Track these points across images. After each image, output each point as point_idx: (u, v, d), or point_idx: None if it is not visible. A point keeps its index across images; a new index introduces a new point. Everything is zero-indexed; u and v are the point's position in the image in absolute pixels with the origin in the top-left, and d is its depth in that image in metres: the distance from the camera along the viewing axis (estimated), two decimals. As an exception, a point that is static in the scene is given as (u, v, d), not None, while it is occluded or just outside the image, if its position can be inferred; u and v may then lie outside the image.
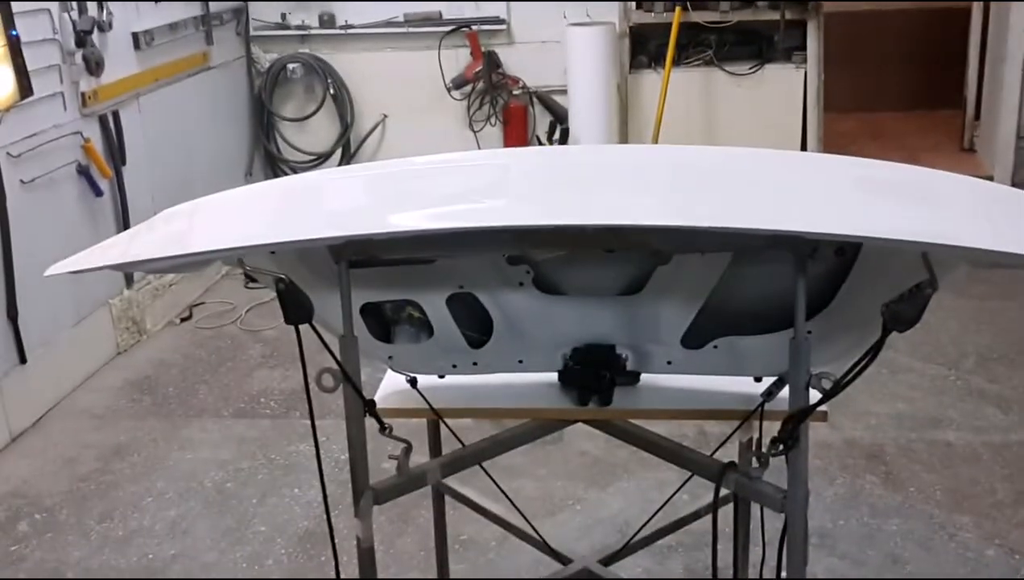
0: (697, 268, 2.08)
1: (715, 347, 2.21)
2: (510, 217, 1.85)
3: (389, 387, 2.40)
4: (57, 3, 4.40)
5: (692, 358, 2.25)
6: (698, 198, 1.83)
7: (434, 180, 2.10)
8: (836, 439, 3.81)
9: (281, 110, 6.59)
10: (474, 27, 6.34)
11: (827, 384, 1.92)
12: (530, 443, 2.50)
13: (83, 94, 4.59)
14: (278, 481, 3.72)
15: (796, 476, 1.98)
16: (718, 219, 1.73)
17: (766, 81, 6.33)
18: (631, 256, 2.13)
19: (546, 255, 2.14)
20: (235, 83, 6.33)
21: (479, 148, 6.44)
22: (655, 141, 6.22)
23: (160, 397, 4.45)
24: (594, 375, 2.28)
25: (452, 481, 2.70)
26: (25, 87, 3.47)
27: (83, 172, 4.57)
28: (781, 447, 1.94)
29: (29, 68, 4.16)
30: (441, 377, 2.38)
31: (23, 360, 4.14)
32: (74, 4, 4.51)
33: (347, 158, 6.64)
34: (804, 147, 6.36)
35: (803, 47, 6.26)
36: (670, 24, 6.12)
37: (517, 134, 6.52)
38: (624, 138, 6.46)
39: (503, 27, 6.40)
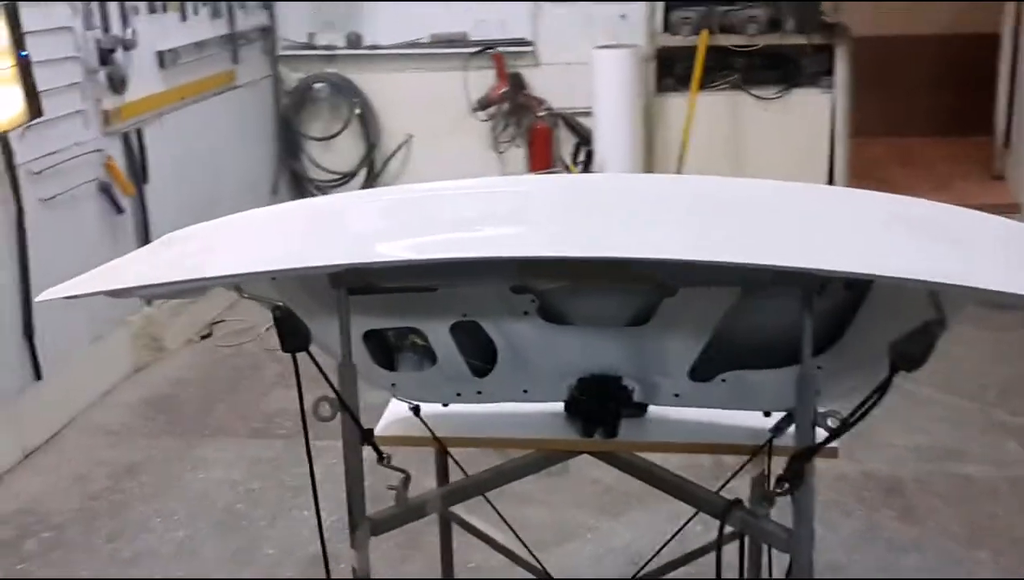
0: (705, 301, 2.03)
1: (723, 380, 2.17)
2: (511, 247, 1.82)
3: (392, 415, 2.37)
4: (81, 21, 4.43)
5: (700, 391, 2.20)
6: (707, 231, 1.80)
7: (441, 207, 2.09)
8: (853, 471, 3.73)
9: (307, 129, 6.62)
10: (500, 49, 6.34)
11: (834, 423, 1.87)
12: (535, 474, 2.46)
13: (106, 112, 4.62)
14: (288, 503, 3.69)
15: (802, 515, 1.93)
16: (723, 253, 1.69)
17: (793, 105, 6.27)
18: (638, 287, 2.10)
19: (550, 285, 2.11)
20: (261, 102, 6.36)
21: (503, 170, 6.43)
22: (681, 164, 6.18)
23: (176, 415, 4.45)
24: (600, 406, 2.24)
25: (460, 508, 2.66)
26: (35, 108, 3.47)
27: (104, 190, 4.59)
28: (787, 486, 1.89)
29: (50, 86, 4.19)
30: (445, 405, 2.34)
31: (39, 377, 4.15)
32: (98, 23, 4.54)
33: (372, 178, 6.65)
34: (832, 172, 6.29)
35: (831, 71, 6.20)
36: (696, 47, 6.09)
37: (541, 156, 6.49)
38: (649, 161, 6.43)
39: (529, 49, 6.39)
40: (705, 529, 2.65)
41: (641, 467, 2.38)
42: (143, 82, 4.92)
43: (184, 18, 5.37)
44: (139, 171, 4.90)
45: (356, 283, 1.96)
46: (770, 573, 2.22)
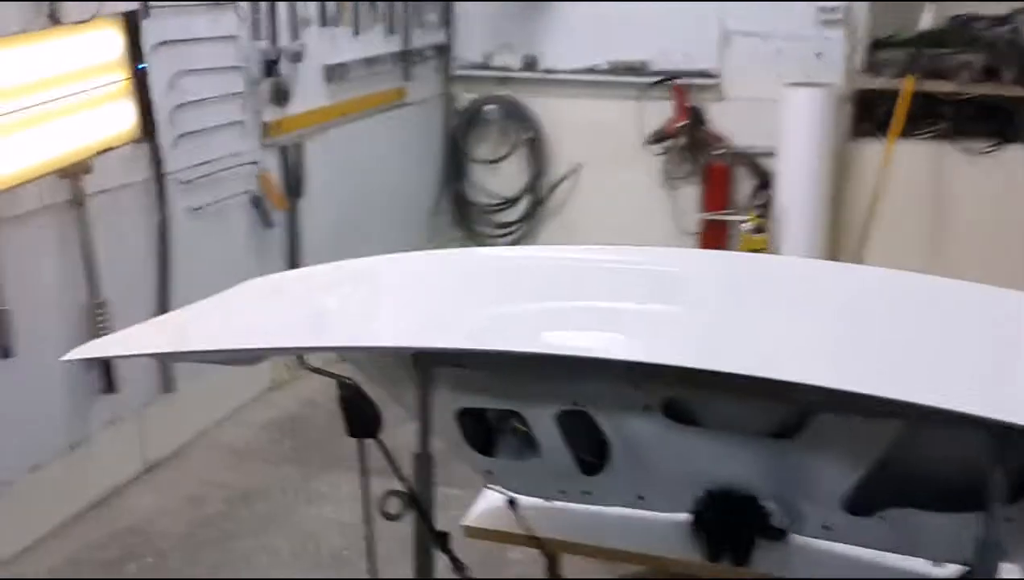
0: (866, 423, 1.63)
1: (884, 518, 1.76)
2: (641, 351, 1.49)
3: (486, 503, 2.07)
4: (248, 31, 4.36)
5: (855, 526, 1.79)
6: (871, 350, 1.41)
7: (573, 281, 1.77)
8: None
9: (473, 151, 6.42)
10: (681, 80, 5.96)
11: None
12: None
13: (265, 124, 4.53)
14: (396, 557, 3.44)
15: None
16: (893, 385, 1.30)
17: (1007, 163, 5.59)
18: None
19: (679, 393, 1.76)
20: (429, 121, 6.21)
21: (673, 208, 6.06)
22: (870, 219, 5.63)
23: (301, 441, 4.30)
24: (731, 527, 1.87)
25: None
26: (147, 126, 3.33)
27: (256, 203, 4.51)
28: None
29: (210, 95, 4.14)
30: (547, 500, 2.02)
31: (171, 389, 4.07)
32: (266, 34, 4.47)
33: (536, 205, 6.40)
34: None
35: (1054, 128, 5.50)
36: (899, 91, 5.52)
37: (716, 196, 6.06)
38: (836, 212, 5.88)
39: (713, 81, 5.98)
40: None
41: (775, 605, 1.98)
42: (308, 95, 4.83)
43: (357, 33, 5.26)
44: (294, 185, 4.80)
45: (444, 362, 1.67)
46: None
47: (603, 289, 1.74)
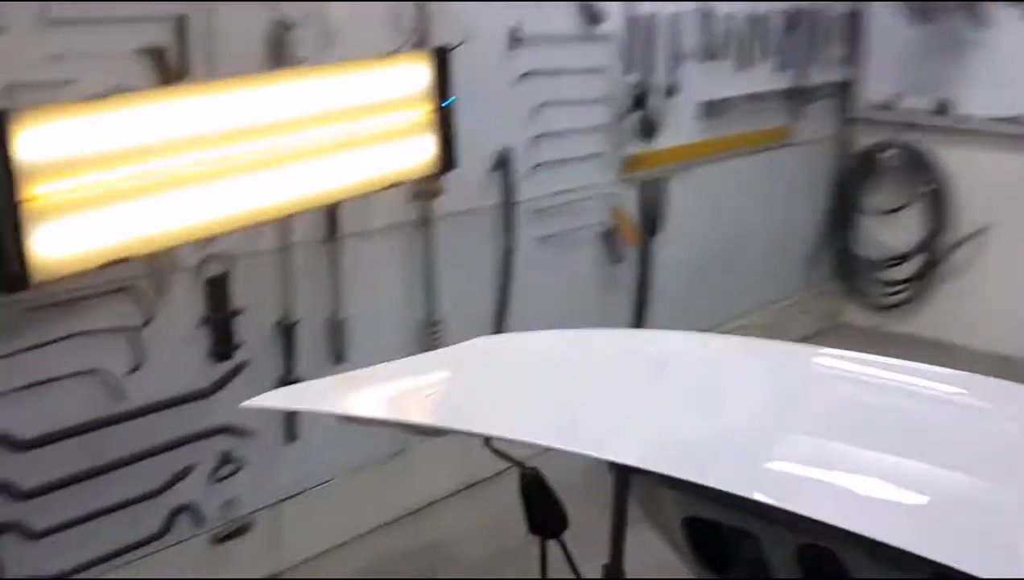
0: None
1: None
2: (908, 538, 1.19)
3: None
4: (620, 64, 4.30)
5: None
6: None
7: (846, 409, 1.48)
8: None
9: (864, 200, 5.89)
10: None
11: None
12: None
13: (626, 158, 4.45)
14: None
15: None
16: None
17: None
18: None
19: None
20: (815, 164, 5.78)
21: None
22: None
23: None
24: None
25: None
26: (447, 160, 3.29)
27: (607, 237, 4.44)
28: None
29: (572, 126, 4.14)
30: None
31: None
32: (638, 67, 4.39)
33: (932, 265, 5.74)
34: None
35: None
36: None
37: None
38: None
39: None
40: None
41: None
42: (677, 131, 4.68)
43: (742, 68, 5.02)
44: (651, 222, 4.67)
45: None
46: None
47: (886, 428, 1.42)
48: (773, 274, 5.51)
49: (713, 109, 4.85)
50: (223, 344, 3.15)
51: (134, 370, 2.94)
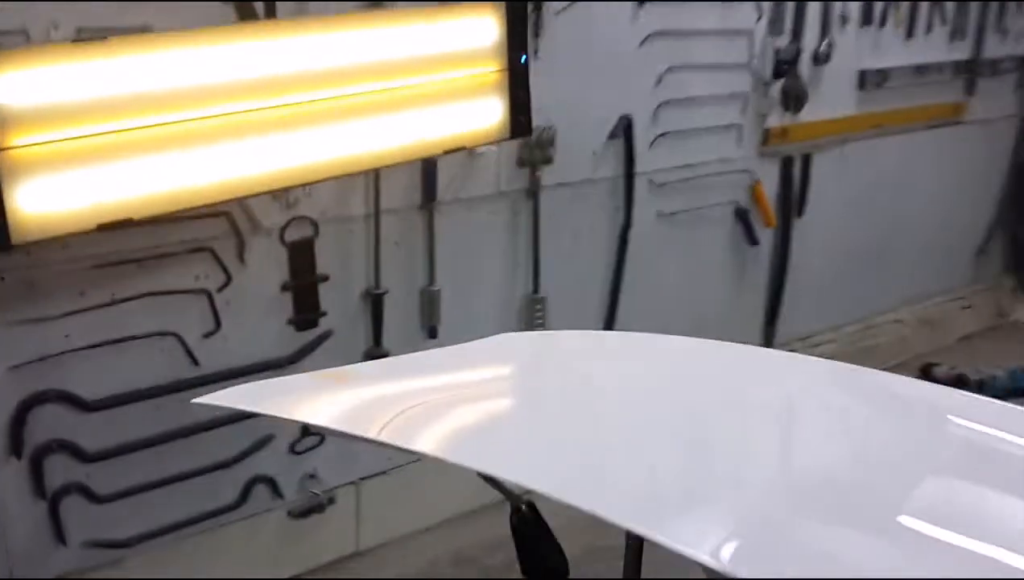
0: None
1: None
2: None
3: None
4: (765, 27, 3.91)
5: None
6: None
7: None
8: None
9: (1046, 187, 5.27)
10: None
11: None
12: None
13: (767, 130, 4.06)
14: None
15: None
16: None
17: None
18: None
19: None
20: (991, 145, 5.19)
21: None
22: None
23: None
24: None
25: None
26: (521, 125, 2.90)
27: (741, 216, 4.07)
28: None
29: (706, 93, 3.78)
30: None
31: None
32: (786, 30, 3.98)
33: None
34: None
35: None
36: None
37: None
38: None
39: None
40: None
41: None
42: (829, 102, 4.24)
43: (910, 36, 4.52)
44: (793, 202, 4.26)
45: None
46: None
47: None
48: (933, 265, 4.99)
49: (872, 80, 4.38)
50: (306, 311, 2.99)
51: (211, 334, 2.82)
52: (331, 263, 3.00)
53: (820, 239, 4.39)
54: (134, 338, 2.67)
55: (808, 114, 4.16)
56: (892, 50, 4.45)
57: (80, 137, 2.08)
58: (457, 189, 3.20)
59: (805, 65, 4.09)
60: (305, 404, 1.59)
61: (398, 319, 3.17)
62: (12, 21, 2.29)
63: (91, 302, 2.58)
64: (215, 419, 2.86)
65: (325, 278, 2.99)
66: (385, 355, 3.12)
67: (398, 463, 3.30)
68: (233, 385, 2.85)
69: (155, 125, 2.17)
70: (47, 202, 2.13)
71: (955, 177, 5.02)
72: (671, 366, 1.69)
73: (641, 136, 3.62)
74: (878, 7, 4.32)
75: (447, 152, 2.74)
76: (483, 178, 3.25)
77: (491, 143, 2.90)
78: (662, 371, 1.66)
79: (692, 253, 3.97)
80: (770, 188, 4.15)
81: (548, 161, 3.37)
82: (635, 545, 1.36)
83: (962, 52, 4.79)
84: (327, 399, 1.58)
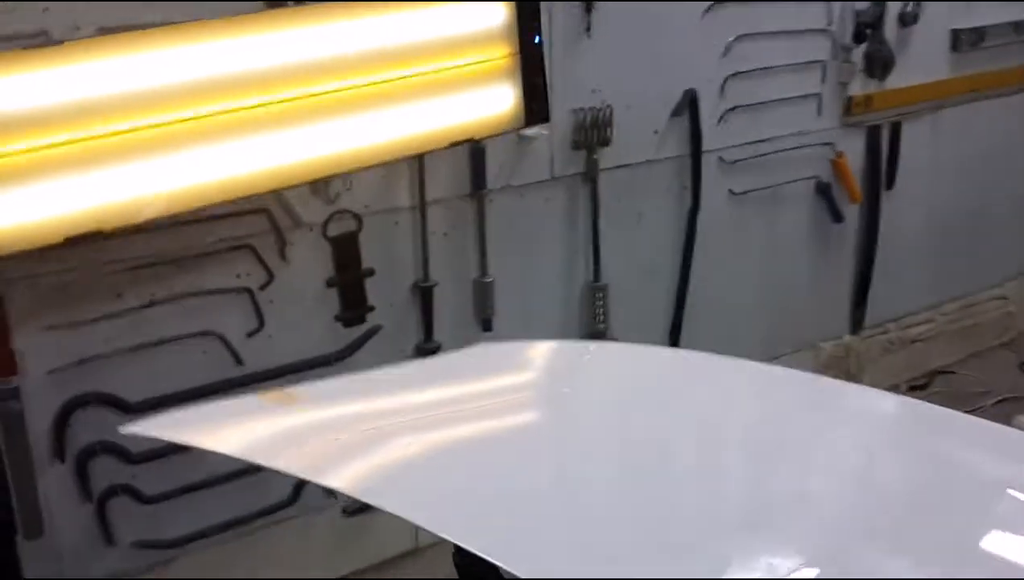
0: None
1: None
2: None
3: None
4: (846, -13, 3.66)
5: None
6: None
7: None
8: None
9: None
10: None
11: None
12: None
13: (850, 99, 3.80)
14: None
15: None
16: None
17: None
18: None
19: None
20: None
21: None
22: None
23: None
24: None
25: None
26: (535, 112, 2.70)
27: (822, 191, 3.83)
28: None
29: (780, 63, 3.55)
30: None
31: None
32: (867, -10, 3.72)
33: None
34: None
35: None
36: None
37: None
38: None
39: None
40: None
41: None
42: (919, 66, 3.96)
43: (1012, -11, 4.18)
44: (881, 175, 4.00)
45: None
46: None
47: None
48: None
49: (966, 40, 4.06)
50: (353, 307, 2.92)
51: (254, 333, 2.78)
52: (377, 257, 2.92)
53: (912, 213, 4.12)
54: (176, 339, 2.65)
55: (895, 80, 3.89)
56: (988, 7, 4.12)
57: (73, 141, 2.03)
58: (508, 176, 3.08)
59: (890, 27, 3.81)
60: (229, 430, 1.51)
61: (450, 312, 3.08)
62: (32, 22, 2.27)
63: (129, 304, 2.56)
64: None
65: (371, 272, 2.91)
66: (438, 349, 3.03)
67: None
68: (279, 383, 2.83)
69: (127, 130, 2.10)
70: (10, 215, 2.08)
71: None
72: (647, 381, 1.54)
73: (708, 112, 3.42)
74: (974, -40, 4.01)
75: (456, 144, 2.61)
76: (535, 163, 3.12)
77: (500, 134, 2.75)
78: (637, 387, 1.52)
79: (769, 234, 3.76)
80: (855, 161, 3.89)
81: (605, 143, 3.22)
82: None
83: (1072, 4, 4.41)
84: (256, 425, 1.49)
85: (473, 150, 2.95)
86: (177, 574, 2.79)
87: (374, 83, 2.30)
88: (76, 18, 2.30)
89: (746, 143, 3.57)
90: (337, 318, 2.90)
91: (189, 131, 2.13)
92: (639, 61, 3.23)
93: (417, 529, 3.16)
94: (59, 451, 2.55)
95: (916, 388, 4.20)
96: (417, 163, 2.87)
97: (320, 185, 2.75)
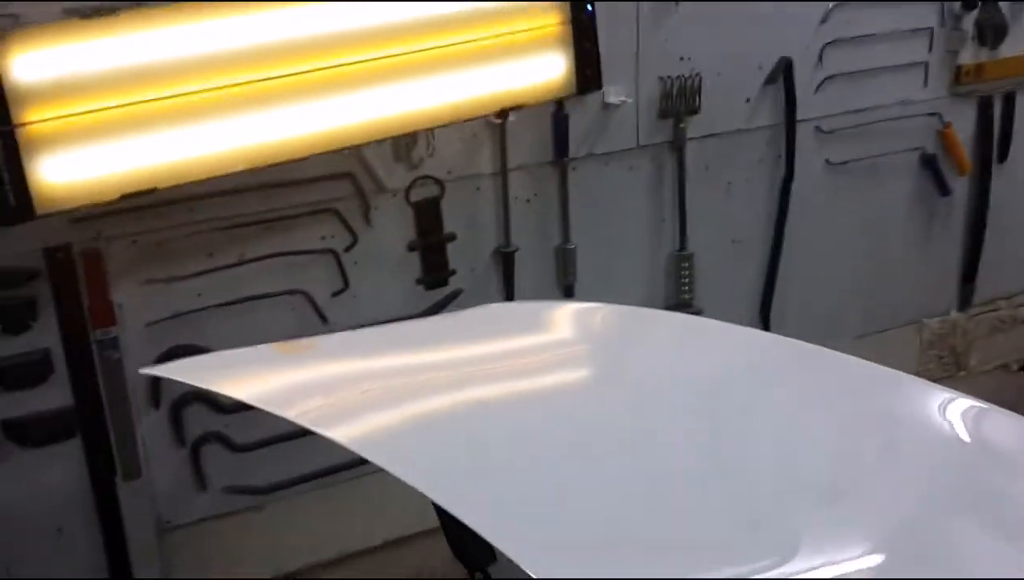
0: None
1: None
2: None
3: None
4: (957, -48, 3.51)
5: None
6: None
7: None
8: None
9: None
10: None
11: None
12: None
13: (959, 68, 3.65)
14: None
15: None
16: None
17: None
18: None
19: None
20: None
21: None
22: None
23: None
24: None
25: None
26: (588, 78, 2.70)
27: (928, 163, 3.70)
28: None
29: (880, 30, 3.44)
30: None
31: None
32: (982, -47, 3.55)
33: None
34: None
35: None
36: None
37: None
38: None
39: None
40: None
41: None
42: (1037, 33, 3.76)
43: None
44: (993, 146, 3.83)
45: None
46: None
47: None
48: None
49: (1093, 5, 3.84)
50: (435, 271, 3.00)
51: (339, 293, 2.89)
52: (459, 222, 2.99)
53: (1020, 187, 3.93)
54: (264, 296, 2.78)
55: (1009, 48, 3.70)
56: None
57: (117, 107, 2.18)
58: (592, 144, 3.10)
59: (1011, -5, 3.64)
60: (246, 377, 1.58)
61: (531, 277, 3.13)
62: None
63: (220, 262, 2.70)
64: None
65: (453, 237, 2.98)
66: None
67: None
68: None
69: (181, 95, 2.24)
70: (71, 173, 2.23)
71: None
72: (657, 344, 1.54)
73: (804, 80, 3.35)
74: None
75: (502, 112, 2.67)
76: (620, 132, 3.12)
77: (548, 101, 2.78)
78: (650, 349, 1.52)
79: (869, 206, 3.65)
80: (964, 132, 3.74)
81: (694, 112, 3.19)
82: None
83: None
84: (273, 373, 1.57)
85: (556, 117, 2.98)
86: (267, 519, 2.93)
87: (430, 48, 2.36)
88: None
89: (846, 112, 3.48)
90: (419, 281, 2.99)
91: (261, 92, 2.25)
92: (731, 29, 3.18)
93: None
94: (155, 399, 2.72)
95: (1026, 369, 4.03)
96: (499, 130, 2.92)
97: (403, 151, 2.83)
